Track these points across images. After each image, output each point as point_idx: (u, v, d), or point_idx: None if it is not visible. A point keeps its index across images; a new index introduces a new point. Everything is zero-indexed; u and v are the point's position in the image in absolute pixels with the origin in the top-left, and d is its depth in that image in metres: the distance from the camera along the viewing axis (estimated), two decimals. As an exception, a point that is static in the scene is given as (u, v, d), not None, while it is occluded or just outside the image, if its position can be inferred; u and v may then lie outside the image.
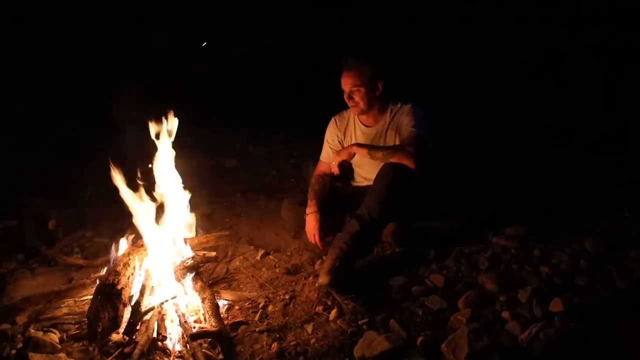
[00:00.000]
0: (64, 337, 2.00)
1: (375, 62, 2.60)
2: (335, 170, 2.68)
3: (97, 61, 5.18)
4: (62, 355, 1.86)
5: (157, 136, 2.44)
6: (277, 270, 2.60)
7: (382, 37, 5.70)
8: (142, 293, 2.10)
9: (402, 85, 2.78)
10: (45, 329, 2.03)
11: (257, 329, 2.04)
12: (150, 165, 2.42)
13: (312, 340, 1.92)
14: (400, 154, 2.44)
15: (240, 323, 2.11)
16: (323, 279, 2.21)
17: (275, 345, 1.92)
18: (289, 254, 2.80)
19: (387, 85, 2.61)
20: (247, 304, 2.29)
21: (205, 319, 2.08)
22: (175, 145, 2.50)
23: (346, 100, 2.63)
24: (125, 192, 2.27)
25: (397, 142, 2.62)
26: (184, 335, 1.95)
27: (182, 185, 2.51)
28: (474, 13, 5.76)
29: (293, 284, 2.43)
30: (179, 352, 1.90)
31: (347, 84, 2.59)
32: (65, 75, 5.25)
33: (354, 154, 2.64)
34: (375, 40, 5.67)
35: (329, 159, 2.84)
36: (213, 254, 2.59)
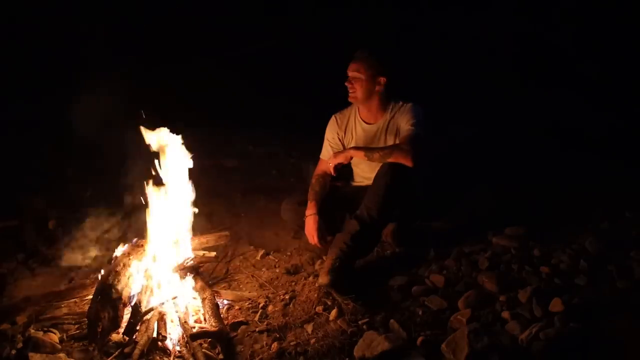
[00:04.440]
0: (64, 337, 2.00)
1: (384, 58, 2.62)
2: (332, 171, 2.69)
3: (94, 61, 5.17)
4: (62, 355, 1.86)
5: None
6: (277, 270, 2.61)
7: (385, 37, 5.70)
8: (142, 293, 2.10)
9: (403, 85, 2.79)
10: (45, 329, 2.03)
11: (257, 329, 2.05)
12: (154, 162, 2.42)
13: (312, 340, 1.92)
14: (398, 154, 2.44)
15: (240, 323, 2.11)
16: (323, 279, 2.21)
17: (275, 345, 1.92)
18: (289, 254, 2.80)
19: (391, 84, 2.62)
20: (247, 304, 2.29)
21: (205, 319, 2.08)
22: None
23: (346, 84, 2.64)
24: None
25: (397, 141, 2.62)
26: (184, 335, 1.95)
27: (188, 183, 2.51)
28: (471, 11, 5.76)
29: (293, 284, 2.43)
30: (179, 352, 1.90)
31: (351, 69, 2.62)
32: (64, 74, 5.24)
33: (351, 157, 2.65)
34: (387, 39, 5.67)
35: (329, 157, 2.84)
36: (213, 254, 2.59)
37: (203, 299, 2.17)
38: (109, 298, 1.98)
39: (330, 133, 2.90)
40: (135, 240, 2.42)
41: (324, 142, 2.94)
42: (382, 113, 2.71)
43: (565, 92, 5.02)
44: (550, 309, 1.88)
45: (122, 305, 2.03)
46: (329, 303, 2.16)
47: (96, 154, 4.18)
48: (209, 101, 5.48)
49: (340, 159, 2.64)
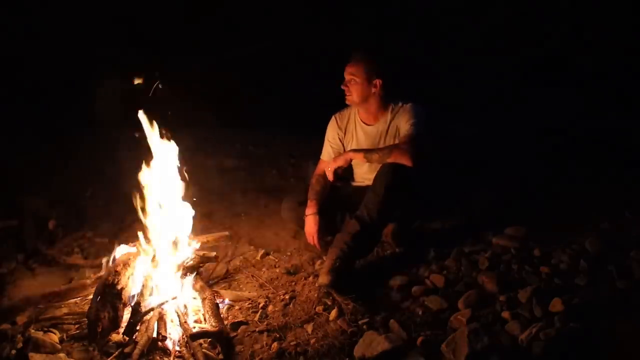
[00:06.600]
0: (64, 337, 2.00)
1: (379, 60, 2.61)
2: (331, 177, 2.69)
3: (88, 59, 5.18)
4: (62, 355, 1.86)
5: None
6: (277, 270, 2.60)
7: (385, 36, 5.71)
8: (142, 293, 2.10)
9: (403, 84, 2.79)
10: (45, 329, 2.02)
11: (257, 329, 2.04)
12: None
13: (312, 340, 1.92)
14: (397, 154, 2.44)
15: (240, 323, 2.11)
16: (323, 279, 2.21)
17: (275, 345, 1.92)
18: (289, 254, 2.80)
19: (388, 85, 2.62)
20: (247, 304, 2.29)
21: (205, 319, 2.08)
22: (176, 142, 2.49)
23: (342, 87, 2.64)
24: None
25: (397, 141, 2.62)
26: (184, 335, 1.95)
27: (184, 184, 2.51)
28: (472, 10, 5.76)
29: (293, 284, 2.43)
30: (179, 352, 1.90)
31: (347, 72, 2.62)
32: (64, 73, 5.25)
33: (351, 160, 2.65)
34: (381, 39, 5.67)
35: (329, 158, 2.83)
36: (213, 254, 2.59)
37: (203, 299, 2.17)
38: (109, 298, 1.98)
39: (331, 134, 2.90)
40: (135, 240, 2.43)
41: (325, 142, 2.94)
42: (381, 114, 2.71)
43: (565, 91, 5.02)
44: (550, 309, 1.88)
45: (122, 305, 2.03)
46: (329, 303, 2.16)
47: (96, 154, 4.18)
48: (209, 101, 5.48)
49: (340, 163, 2.64)
